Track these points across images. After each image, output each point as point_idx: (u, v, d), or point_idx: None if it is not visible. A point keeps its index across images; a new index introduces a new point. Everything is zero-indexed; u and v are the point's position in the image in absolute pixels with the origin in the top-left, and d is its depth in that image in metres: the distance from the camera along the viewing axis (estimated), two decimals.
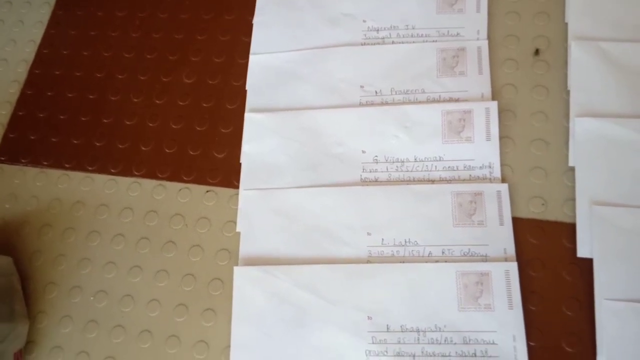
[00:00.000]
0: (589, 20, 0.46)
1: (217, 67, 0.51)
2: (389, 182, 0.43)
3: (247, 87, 0.49)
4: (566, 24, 0.46)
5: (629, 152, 0.40)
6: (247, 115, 0.47)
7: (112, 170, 0.48)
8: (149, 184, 0.47)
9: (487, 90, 0.45)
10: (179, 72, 0.51)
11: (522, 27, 0.47)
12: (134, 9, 0.55)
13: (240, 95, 0.49)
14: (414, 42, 0.48)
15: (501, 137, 0.43)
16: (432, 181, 0.43)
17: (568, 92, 0.44)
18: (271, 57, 0.49)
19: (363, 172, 0.44)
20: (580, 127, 0.42)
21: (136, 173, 0.48)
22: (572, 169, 0.41)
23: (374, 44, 0.48)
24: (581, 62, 0.44)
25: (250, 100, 0.48)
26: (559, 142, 0.43)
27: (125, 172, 0.48)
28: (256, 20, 0.52)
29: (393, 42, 0.48)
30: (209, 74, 0.51)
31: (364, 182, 0.43)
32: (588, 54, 0.44)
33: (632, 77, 0.43)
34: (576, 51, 0.44)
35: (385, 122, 0.45)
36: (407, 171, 0.43)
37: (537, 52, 0.47)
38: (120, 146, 0.49)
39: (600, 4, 0.46)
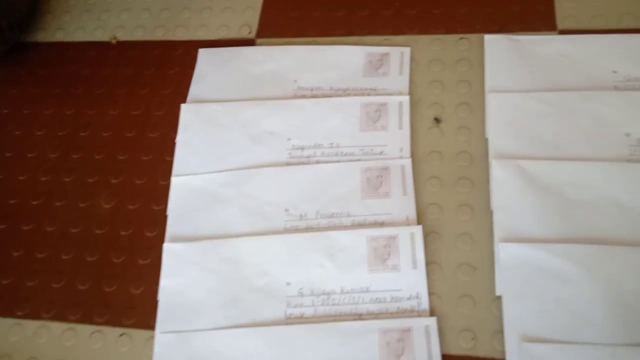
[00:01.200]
0: (509, 136, 0.45)
1: (138, 189, 0.48)
2: (315, 317, 0.40)
3: (168, 212, 0.46)
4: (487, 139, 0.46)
5: (554, 280, 0.38)
6: (166, 246, 0.44)
7: (18, 313, 0.44)
8: (57, 327, 0.43)
9: (412, 212, 0.43)
10: (97, 197, 0.48)
11: (445, 142, 0.47)
12: (54, 127, 0.52)
13: (161, 221, 0.46)
14: (338, 161, 0.46)
15: (428, 263, 0.41)
16: (360, 315, 0.40)
17: (492, 212, 0.43)
18: (194, 179, 0.47)
19: (288, 307, 0.41)
20: (505, 253, 0.40)
21: (44, 315, 0.43)
22: (500, 298, 0.40)
23: (299, 163, 0.46)
24: (502, 181, 0.43)
25: (171, 227, 0.45)
26: (485, 266, 0.41)
27: (32, 315, 0.43)
28: (179, 138, 0.49)
29: (318, 161, 0.46)
30: (129, 197, 0.48)
31: (289, 320, 0.40)
32: (508, 172, 0.43)
33: (553, 197, 0.42)
34: (496, 170, 0.43)
35: (310, 250, 0.42)
36: (334, 305, 0.40)
37: (436, 119, 0.46)
38: (29, 284, 0.45)
39: (520, 120, 0.45)
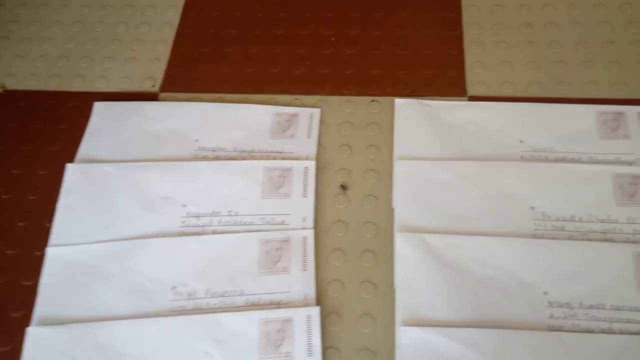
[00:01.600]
0: (415, 207, 0.43)
1: (7, 261, 0.42)
2: None
3: (39, 288, 0.40)
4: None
5: None
6: (30, 331, 0.38)
7: None
8: None
9: (311, 290, 0.40)
10: None
11: (351, 211, 0.44)
12: None
13: (30, 298, 0.40)
14: (236, 231, 0.42)
15: (325, 348, 0.38)
16: None
17: (395, 291, 0.40)
18: (72, 250, 0.41)
19: None
20: (405, 338, 0.37)
21: None
22: None
23: (193, 234, 0.42)
24: (406, 256, 0.41)
25: (40, 307, 0.39)
26: (386, 351, 0.38)
27: None
28: (60, 202, 0.44)
29: (214, 231, 0.42)
30: None
31: None
32: (412, 247, 0.41)
33: (457, 274, 0.40)
34: (400, 244, 0.41)
35: (195, 336, 0.38)
36: None
37: (343, 187, 0.44)
38: None
39: (426, 189, 0.43)
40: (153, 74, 0.52)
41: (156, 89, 0.51)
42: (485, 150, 0.46)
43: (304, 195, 0.44)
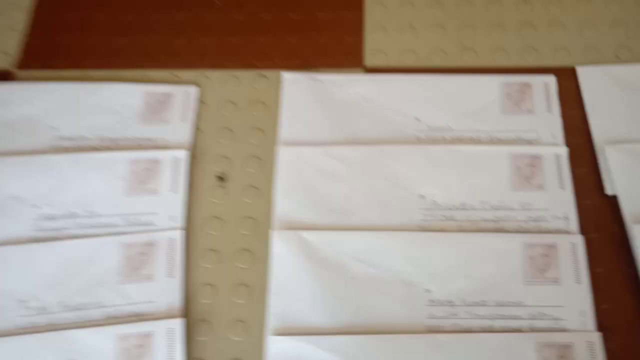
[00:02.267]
0: (296, 199, 0.39)
1: None
2: None
3: None
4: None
5: None
6: None
7: None
8: None
9: (177, 298, 0.36)
10: None
11: (229, 206, 0.40)
12: None
13: None
14: (95, 234, 0.39)
15: None
16: None
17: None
18: None
19: None
20: (275, 348, 0.35)
21: None
22: None
23: (47, 239, 0.38)
24: (282, 256, 0.37)
25: None
26: None
27: None
28: None
29: (72, 236, 0.38)
30: None
31: None
32: (289, 246, 0.38)
33: (335, 275, 0.37)
34: (277, 243, 0.38)
35: (46, 357, 0.35)
36: None
37: (220, 178, 0.40)
38: None
39: (310, 179, 0.40)
40: (7, 47, 0.46)
41: (12, 66, 0.46)
42: (379, 132, 0.42)
43: (174, 191, 0.40)
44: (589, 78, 0.43)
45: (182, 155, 0.41)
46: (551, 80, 0.43)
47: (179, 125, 0.43)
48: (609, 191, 0.40)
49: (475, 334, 0.35)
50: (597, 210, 0.39)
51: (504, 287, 0.37)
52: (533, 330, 0.35)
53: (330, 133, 0.42)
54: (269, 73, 0.45)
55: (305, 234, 0.38)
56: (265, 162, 0.42)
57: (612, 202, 0.39)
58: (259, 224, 0.40)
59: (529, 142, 0.41)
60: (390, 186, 0.40)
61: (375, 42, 0.46)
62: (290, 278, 0.37)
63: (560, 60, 0.45)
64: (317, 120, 0.43)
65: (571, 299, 0.36)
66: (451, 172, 0.40)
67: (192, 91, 0.44)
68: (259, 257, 0.39)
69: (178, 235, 0.38)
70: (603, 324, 0.36)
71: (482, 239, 0.38)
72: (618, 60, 0.44)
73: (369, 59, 0.46)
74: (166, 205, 0.39)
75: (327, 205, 0.39)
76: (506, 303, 0.36)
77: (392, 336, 0.35)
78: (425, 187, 0.40)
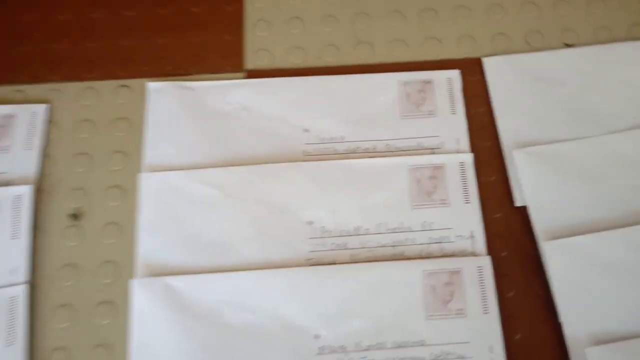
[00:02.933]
0: (161, 237, 0.34)
1: None
2: None
3: None
4: None
5: None
6: None
7: None
8: None
9: None
10: None
11: (85, 249, 0.34)
12: None
13: None
14: None
15: None
16: None
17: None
18: None
19: None
20: None
21: None
22: None
23: None
24: (145, 308, 0.32)
25: None
26: None
27: None
28: None
29: None
30: None
31: None
32: (154, 295, 0.32)
33: (203, 326, 0.32)
34: (138, 293, 0.32)
35: None
36: None
37: (74, 216, 0.35)
38: None
39: (177, 211, 0.34)
40: None
41: None
42: (262, 148, 0.37)
43: (15, 237, 0.34)
44: (495, 70, 0.39)
45: (25, 191, 0.35)
46: (455, 75, 0.39)
47: (21, 154, 0.36)
48: (518, 202, 0.36)
49: None
50: (507, 224, 0.35)
51: (404, 325, 0.33)
52: None
53: (204, 153, 0.37)
54: (133, 83, 0.39)
55: (172, 280, 0.33)
56: (128, 193, 0.36)
57: (524, 214, 0.36)
58: (122, 269, 0.34)
59: (431, 150, 0.37)
60: (273, 213, 0.35)
61: (258, 40, 0.40)
62: (155, 335, 0.32)
63: (466, 50, 0.40)
64: (188, 138, 0.37)
65: (478, 333, 0.32)
66: (342, 192, 0.35)
67: (40, 110, 0.37)
68: (123, 309, 0.33)
69: (20, 292, 0.33)
70: (513, 358, 0.33)
71: (379, 270, 0.33)
72: (529, 47, 0.40)
73: (251, 60, 0.40)
74: (5, 256, 0.34)
75: (199, 241, 0.34)
76: (406, 343, 0.32)
77: None
78: (313, 211, 0.35)
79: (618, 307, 0.32)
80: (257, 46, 0.40)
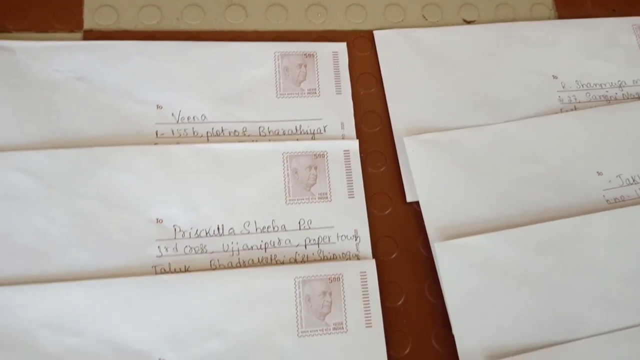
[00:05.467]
0: None
1: None
2: None
3: None
4: None
5: None
6: None
7: None
8: None
9: None
10: None
11: None
12: None
13: None
14: None
15: None
16: None
17: None
18: None
19: None
20: None
21: None
22: None
23: None
24: None
25: None
26: None
27: None
28: None
29: None
30: None
31: None
32: None
33: None
34: None
35: None
36: None
37: None
38: None
39: None
40: None
41: None
42: (101, 127, 0.32)
43: None
44: (388, 45, 0.37)
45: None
46: (341, 49, 0.37)
47: None
48: (409, 197, 0.34)
49: None
50: (398, 223, 0.34)
51: (272, 344, 0.29)
52: None
53: (19, 131, 0.31)
54: None
55: None
56: None
57: (417, 211, 0.35)
58: None
59: (312, 135, 0.35)
60: (109, 209, 0.30)
61: None
62: None
63: (355, 21, 0.38)
64: (4, 113, 0.32)
65: (360, 350, 0.30)
66: (201, 183, 0.32)
67: None
68: None
69: None
70: None
71: (243, 278, 0.30)
72: (425, 21, 0.39)
73: (91, 18, 0.35)
74: None
75: (8, 244, 0.29)
76: None
77: None
78: (163, 208, 0.31)
79: (514, 317, 0.31)
80: (99, 1, 0.36)
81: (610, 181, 0.35)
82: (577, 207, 0.34)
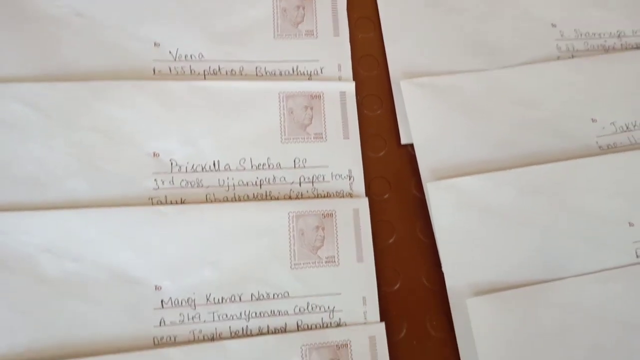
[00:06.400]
0: None
1: None
2: None
3: None
4: None
5: None
6: None
7: None
8: None
9: None
10: None
11: None
12: None
13: None
14: None
15: None
16: None
17: None
18: None
19: None
20: None
21: None
22: None
23: None
24: None
25: None
26: None
27: None
28: None
29: None
30: None
31: None
32: None
33: (14, 281, 0.30)
34: None
35: None
36: None
37: None
38: None
39: None
40: None
41: None
42: (97, 63, 0.34)
43: None
44: None
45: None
46: None
47: None
48: (404, 139, 0.36)
49: (221, 343, 0.30)
50: (391, 164, 0.36)
51: (265, 275, 0.31)
52: (300, 329, 0.31)
53: (20, 63, 0.33)
54: None
55: None
56: None
57: (411, 154, 0.36)
58: None
59: (308, 76, 0.36)
60: (108, 142, 0.32)
61: None
62: None
63: None
64: (1, 44, 0.33)
65: (351, 283, 0.32)
66: (198, 120, 0.33)
67: None
68: None
69: None
70: (390, 311, 0.33)
71: (237, 211, 0.32)
72: None
73: None
74: None
75: (9, 173, 0.31)
76: (267, 296, 0.31)
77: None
78: (160, 142, 0.33)
79: (502, 255, 0.33)
80: None
81: (603, 128, 0.37)
82: (570, 152, 0.36)
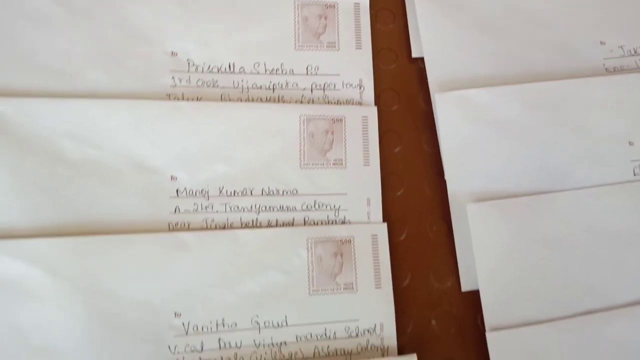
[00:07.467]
0: None
1: None
2: None
3: None
4: None
5: None
6: None
7: None
8: None
9: None
10: None
11: None
12: None
13: None
14: None
15: None
16: None
17: None
18: None
19: None
20: None
21: None
22: None
23: None
24: None
25: None
26: None
27: None
28: None
29: None
30: None
31: None
32: None
33: (41, 162, 0.32)
34: None
35: None
36: None
37: None
38: None
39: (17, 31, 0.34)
40: None
41: None
42: None
43: None
44: None
45: None
46: None
47: None
48: (414, 52, 0.38)
49: (232, 231, 0.33)
50: (402, 77, 0.38)
51: (276, 173, 0.34)
52: (307, 224, 0.34)
53: None
54: None
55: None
56: None
57: (421, 68, 0.38)
58: None
59: None
60: (127, 38, 0.35)
61: None
62: None
63: None
64: None
65: (356, 183, 0.35)
66: (215, 22, 0.36)
67: None
68: None
69: None
70: (392, 215, 0.35)
71: (251, 112, 0.35)
72: None
73: None
74: None
75: (34, 62, 0.33)
76: (277, 192, 0.34)
77: (117, 238, 0.31)
78: (178, 41, 0.35)
79: (503, 165, 0.36)
80: None
81: (611, 51, 0.39)
82: (577, 72, 0.38)
